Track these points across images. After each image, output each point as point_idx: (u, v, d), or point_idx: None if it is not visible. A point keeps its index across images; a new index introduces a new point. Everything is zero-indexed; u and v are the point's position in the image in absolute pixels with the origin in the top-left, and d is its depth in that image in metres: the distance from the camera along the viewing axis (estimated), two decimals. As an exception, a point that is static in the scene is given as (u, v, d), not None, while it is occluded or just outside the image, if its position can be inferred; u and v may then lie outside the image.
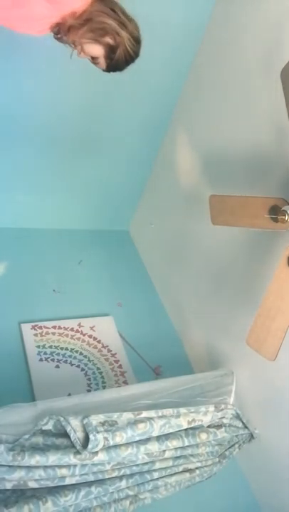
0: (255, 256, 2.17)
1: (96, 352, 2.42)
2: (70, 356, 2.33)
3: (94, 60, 1.54)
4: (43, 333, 2.37)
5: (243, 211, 1.79)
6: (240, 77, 2.24)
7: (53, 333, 2.39)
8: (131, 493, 1.78)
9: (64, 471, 1.55)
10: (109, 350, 2.46)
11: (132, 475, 1.77)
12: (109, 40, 1.47)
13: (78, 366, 2.31)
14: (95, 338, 2.48)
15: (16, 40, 1.86)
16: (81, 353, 2.37)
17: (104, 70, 1.60)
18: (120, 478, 1.74)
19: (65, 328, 2.45)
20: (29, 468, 1.49)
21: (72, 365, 2.30)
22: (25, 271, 2.64)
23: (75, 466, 1.57)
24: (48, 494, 1.54)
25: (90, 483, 1.65)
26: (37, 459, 1.47)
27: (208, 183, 2.48)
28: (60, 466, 1.54)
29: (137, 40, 1.55)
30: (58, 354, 2.31)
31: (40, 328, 2.38)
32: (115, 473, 1.71)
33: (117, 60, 1.53)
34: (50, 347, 2.32)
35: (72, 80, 2.26)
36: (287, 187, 1.94)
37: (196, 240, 2.63)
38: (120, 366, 2.41)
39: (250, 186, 2.14)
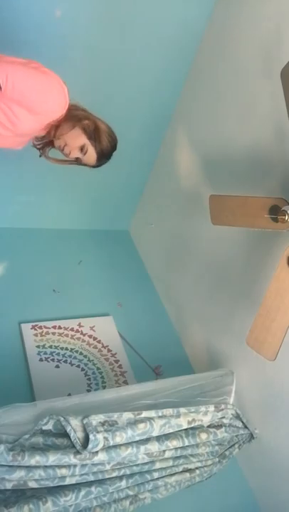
0: (255, 256, 2.17)
1: (96, 352, 2.42)
2: (70, 356, 2.33)
3: (81, 158, 1.69)
4: (43, 333, 2.37)
5: (243, 211, 1.79)
6: (240, 77, 2.24)
7: (53, 333, 2.39)
8: (131, 493, 1.78)
9: (64, 471, 1.55)
10: (109, 350, 2.46)
11: (132, 475, 1.77)
12: (84, 122, 1.63)
13: (78, 366, 2.31)
14: (95, 338, 2.48)
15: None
16: (81, 353, 2.38)
17: (93, 166, 1.76)
18: (120, 478, 1.74)
19: (65, 328, 2.45)
20: (29, 468, 1.49)
21: (72, 365, 2.30)
22: (25, 271, 2.64)
23: (75, 466, 1.57)
24: (48, 494, 1.54)
25: (90, 483, 1.65)
26: (37, 459, 1.47)
27: (208, 183, 2.48)
28: (60, 466, 1.54)
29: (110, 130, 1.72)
30: (58, 354, 2.31)
31: (40, 328, 2.38)
32: (115, 473, 1.71)
33: (100, 139, 1.67)
34: (50, 347, 2.32)
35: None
36: (287, 187, 1.94)
37: (196, 239, 2.63)
38: (120, 366, 2.41)
39: (251, 186, 2.14)
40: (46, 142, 1.75)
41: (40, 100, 1.51)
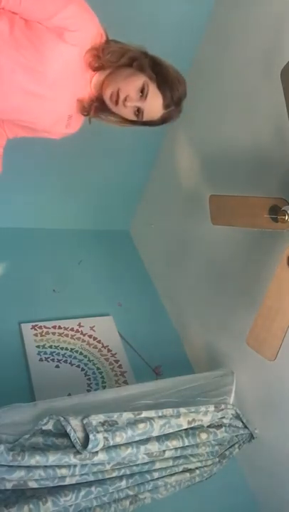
0: (255, 256, 2.17)
1: (96, 352, 2.42)
2: (70, 356, 2.33)
3: (141, 107, 1.29)
4: (43, 333, 2.36)
5: (243, 211, 1.79)
6: (240, 77, 2.24)
7: (53, 333, 2.39)
8: (131, 493, 1.78)
9: (64, 471, 1.55)
10: (109, 350, 2.46)
11: (132, 475, 1.77)
12: (139, 56, 1.29)
13: (78, 366, 2.31)
14: (95, 338, 2.48)
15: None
16: (81, 353, 2.37)
17: (161, 120, 1.33)
18: (120, 478, 1.74)
19: (65, 328, 2.45)
20: (29, 468, 1.48)
21: (72, 365, 2.30)
22: (25, 271, 2.64)
23: (75, 466, 1.57)
24: (48, 494, 1.53)
25: (90, 483, 1.65)
26: (37, 459, 1.47)
27: (208, 183, 2.48)
28: (60, 466, 1.54)
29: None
30: (58, 354, 2.31)
31: (40, 328, 2.38)
32: (115, 473, 1.71)
33: (164, 74, 1.27)
34: (50, 347, 2.32)
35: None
36: (287, 187, 1.94)
37: (196, 240, 2.63)
38: (120, 366, 2.41)
39: (250, 186, 2.14)
40: (96, 106, 1.38)
41: (61, 6, 1.15)
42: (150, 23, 2.26)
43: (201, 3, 2.33)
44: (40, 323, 2.40)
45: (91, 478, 1.65)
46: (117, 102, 1.28)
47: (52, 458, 1.50)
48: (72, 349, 2.37)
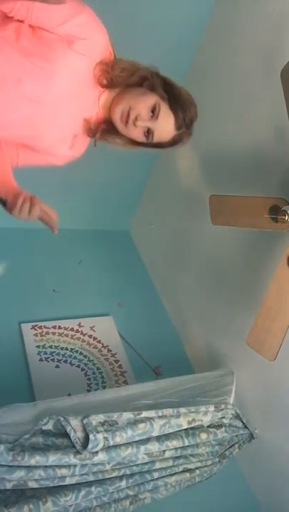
0: (255, 256, 2.17)
1: (96, 352, 2.42)
2: (70, 356, 2.33)
3: (152, 128, 1.26)
4: (43, 333, 2.36)
5: (243, 211, 1.79)
6: (240, 77, 2.24)
7: (53, 333, 2.39)
8: (131, 493, 1.78)
9: (64, 471, 1.55)
10: (109, 350, 2.46)
11: (132, 475, 1.77)
12: (150, 76, 1.26)
13: (78, 366, 2.31)
14: (95, 338, 2.48)
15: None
16: (81, 353, 2.37)
17: (171, 142, 1.32)
18: (120, 478, 1.74)
19: (65, 328, 2.45)
20: (29, 468, 1.48)
21: (72, 365, 2.30)
22: (25, 271, 2.64)
23: (75, 466, 1.57)
24: (48, 494, 1.54)
25: (90, 483, 1.65)
26: (37, 459, 1.47)
27: (208, 183, 2.48)
28: (60, 466, 1.54)
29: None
30: (58, 354, 2.31)
31: (40, 328, 2.38)
32: (115, 473, 1.71)
33: (176, 94, 1.26)
34: (50, 347, 2.32)
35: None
36: (287, 187, 1.94)
37: (196, 240, 2.63)
38: (120, 366, 2.41)
39: (251, 186, 2.14)
40: (103, 128, 1.35)
41: (72, 14, 1.13)
42: (150, 23, 2.26)
43: (201, 3, 2.33)
44: (40, 323, 2.40)
45: (91, 478, 1.65)
46: (127, 122, 1.25)
47: (52, 458, 1.50)
48: (72, 349, 2.37)
